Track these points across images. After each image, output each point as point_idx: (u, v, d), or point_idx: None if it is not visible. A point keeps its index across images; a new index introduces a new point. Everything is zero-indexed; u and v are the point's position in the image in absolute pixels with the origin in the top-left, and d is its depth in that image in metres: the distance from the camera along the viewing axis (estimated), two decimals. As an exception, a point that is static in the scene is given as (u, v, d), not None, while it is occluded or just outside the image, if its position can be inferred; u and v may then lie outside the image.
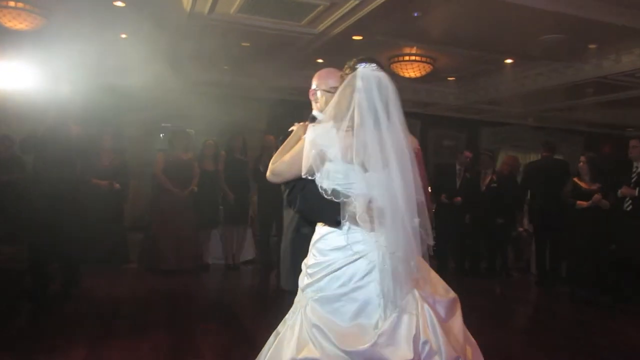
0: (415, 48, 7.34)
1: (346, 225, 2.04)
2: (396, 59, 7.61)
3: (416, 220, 1.98)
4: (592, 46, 6.23)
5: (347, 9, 5.58)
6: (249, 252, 7.62)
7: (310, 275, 2.12)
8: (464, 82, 9.08)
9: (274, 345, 2.15)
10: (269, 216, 7.37)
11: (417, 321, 1.91)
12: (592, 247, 5.88)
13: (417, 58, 7.49)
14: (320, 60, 7.87)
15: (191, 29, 6.38)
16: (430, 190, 7.46)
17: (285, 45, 6.88)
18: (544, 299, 6.67)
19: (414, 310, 1.94)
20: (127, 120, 8.39)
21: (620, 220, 5.72)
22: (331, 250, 2.08)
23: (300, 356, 1.96)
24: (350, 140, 1.99)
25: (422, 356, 1.87)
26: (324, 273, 2.06)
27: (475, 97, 9.30)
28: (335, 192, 2.03)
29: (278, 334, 2.19)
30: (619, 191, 5.75)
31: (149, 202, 7.41)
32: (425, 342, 1.88)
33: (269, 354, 2.17)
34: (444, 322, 1.99)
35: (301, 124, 2.47)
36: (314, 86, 2.56)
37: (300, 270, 2.24)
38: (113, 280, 6.06)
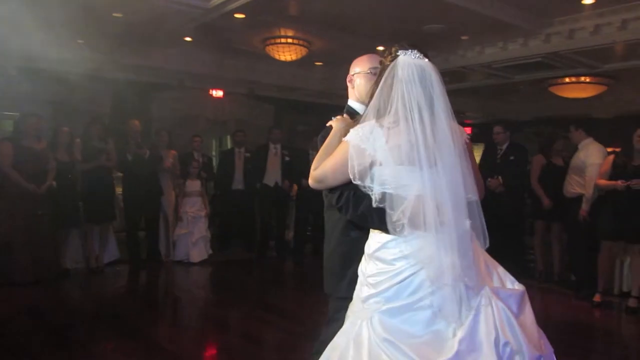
0: (291, 31, 7.10)
1: (404, 232, 1.84)
2: (271, 41, 7.31)
3: (467, 223, 1.83)
4: (464, 37, 6.60)
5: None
6: (113, 252, 6.79)
7: (373, 285, 1.91)
8: (330, 68, 9.07)
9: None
10: (136, 209, 6.69)
11: (494, 320, 1.77)
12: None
13: (293, 41, 7.28)
14: (188, 39, 7.26)
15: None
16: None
17: (162, 19, 6.13)
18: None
19: (488, 310, 1.79)
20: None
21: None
22: (396, 259, 1.87)
23: None
24: (398, 138, 1.84)
25: (504, 359, 1.74)
26: (391, 283, 1.86)
27: (341, 83, 9.34)
28: (384, 196, 1.84)
29: (336, 347, 1.92)
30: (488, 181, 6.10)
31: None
32: (505, 344, 1.75)
33: None
34: (517, 318, 1.85)
35: (339, 117, 2.23)
36: (352, 72, 2.43)
37: (349, 276, 2.13)
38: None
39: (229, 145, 10.95)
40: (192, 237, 7.05)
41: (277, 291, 6.11)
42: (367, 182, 1.89)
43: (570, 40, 6.12)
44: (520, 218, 6.71)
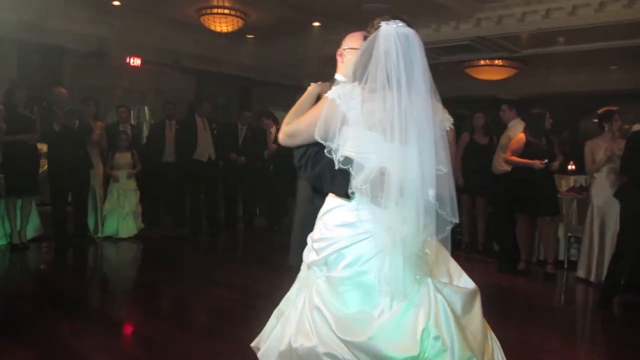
0: (226, 0, 6.94)
1: (357, 199, 1.84)
2: (207, 11, 7.10)
3: (431, 192, 1.77)
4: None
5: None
6: (37, 228, 6.36)
7: (317, 251, 1.92)
8: (261, 41, 8.97)
9: (277, 327, 1.96)
10: (63, 182, 6.29)
11: (429, 314, 1.73)
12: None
13: (230, 12, 7.12)
14: (116, 3, 6.85)
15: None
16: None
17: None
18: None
19: (425, 301, 1.76)
20: None
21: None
22: (338, 225, 1.88)
23: (296, 344, 1.80)
24: (375, 104, 1.80)
25: (432, 352, 1.70)
26: (330, 250, 1.87)
27: (272, 57, 9.32)
28: (347, 160, 1.81)
29: (282, 313, 1.99)
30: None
31: None
32: (436, 337, 1.70)
33: (271, 337, 1.97)
34: (460, 317, 1.82)
35: (319, 83, 2.20)
36: (344, 46, 2.32)
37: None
38: None
39: (147, 117, 10.53)
40: (122, 212, 6.77)
41: (226, 266, 6.03)
42: (334, 143, 1.84)
43: (499, 25, 6.58)
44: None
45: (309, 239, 2.01)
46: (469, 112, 6.68)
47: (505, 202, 5.94)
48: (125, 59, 9.18)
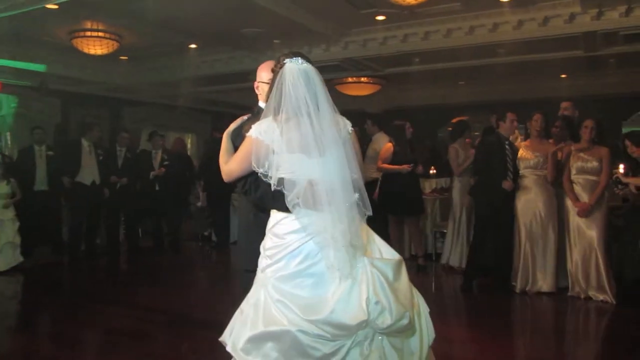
0: (102, 24, 6.88)
1: (296, 210, 2.23)
2: (79, 34, 6.96)
3: (355, 196, 2.21)
4: (276, 41, 7.29)
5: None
6: None
7: (269, 257, 2.28)
8: (134, 63, 8.91)
9: (239, 322, 2.27)
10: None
11: (368, 285, 2.14)
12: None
13: (102, 34, 7.04)
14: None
15: None
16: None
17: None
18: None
19: (364, 276, 2.15)
20: None
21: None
22: (287, 233, 2.25)
23: (270, 328, 2.14)
24: (291, 133, 2.20)
25: (375, 314, 2.11)
26: (282, 254, 2.24)
27: (145, 78, 9.28)
28: (281, 181, 2.21)
29: (242, 311, 2.30)
30: None
31: None
32: (377, 302, 2.11)
33: (234, 331, 2.27)
34: (392, 282, 2.22)
35: (233, 123, 2.69)
36: (258, 79, 2.76)
37: (256, 251, 2.38)
38: None
39: (8, 142, 9.87)
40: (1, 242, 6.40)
41: (128, 288, 5.99)
42: (267, 169, 2.22)
43: (364, 48, 7.30)
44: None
45: (261, 248, 2.35)
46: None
47: (375, 204, 6.58)
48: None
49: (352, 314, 2.10)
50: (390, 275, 2.23)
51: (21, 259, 6.65)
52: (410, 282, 2.35)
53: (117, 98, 10.66)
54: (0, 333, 4.50)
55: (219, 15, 6.39)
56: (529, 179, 5.30)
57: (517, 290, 5.27)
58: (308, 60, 2.30)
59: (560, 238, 5.24)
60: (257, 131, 2.22)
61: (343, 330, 2.09)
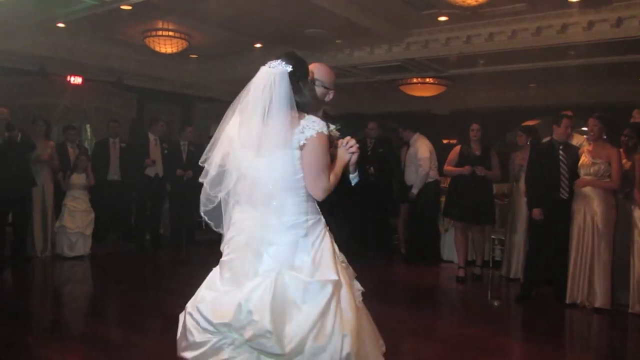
0: (173, 24, 7.21)
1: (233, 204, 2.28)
2: (151, 34, 7.34)
3: (274, 203, 2.14)
4: (338, 41, 7.34)
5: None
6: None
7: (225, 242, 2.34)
8: (204, 61, 9.26)
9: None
10: (4, 202, 6.20)
11: (256, 292, 2.06)
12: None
13: (174, 34, 7.39)
14: (61, 25, 6.97)
15: None
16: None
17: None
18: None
19: (264, 282, 2.07)
20: None
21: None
22: (231, 223, 2.29)
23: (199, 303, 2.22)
24: (242, 130, 2.20)
25: (244, 322, 2.04)
26: (225, 240, 2.30)
27: (213, 76, 9.62)
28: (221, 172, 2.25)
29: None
30: None
31: None
32: (249, 312, 2.03)
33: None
34: (292, 301, 2.07)
35: None
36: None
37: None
38: None
39: (89, 135, 10.55)
40: (73, 231, 6.85)
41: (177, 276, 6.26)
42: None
43: (426, 49, 7.21)
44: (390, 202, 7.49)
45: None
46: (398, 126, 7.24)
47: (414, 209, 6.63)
48: (66, 78, 9.21)
49: (220, 312, 2.10)
50: (294, 293, 2.08)
51: (89, 250, 6.96)
52: (336, 314, 2.07)
53: (188, 95, 11.11)
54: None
55: (282, 16, 6.54)
56: (588, 186, 5.03)
57: (567, 302, 5.01)
58: (292, 62, 2.20)
59: (622, 252, 4.95)
60: (229, 126, 2.27)
61: (208, 325, 2.12)
